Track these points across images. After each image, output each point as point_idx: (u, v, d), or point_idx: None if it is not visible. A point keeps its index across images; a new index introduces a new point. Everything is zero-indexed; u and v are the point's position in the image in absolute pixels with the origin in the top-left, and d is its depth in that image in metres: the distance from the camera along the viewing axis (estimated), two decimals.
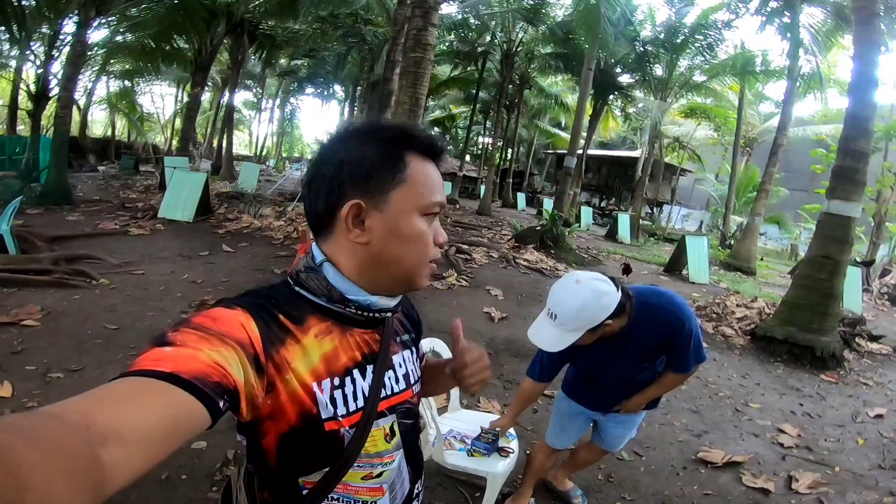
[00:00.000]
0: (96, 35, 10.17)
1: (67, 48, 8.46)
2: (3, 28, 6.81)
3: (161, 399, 0.45)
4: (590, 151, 20.46)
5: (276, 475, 0.66)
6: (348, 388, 0.66)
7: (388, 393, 0.72)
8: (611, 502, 2.30)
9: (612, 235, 15.19)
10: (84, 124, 18.76)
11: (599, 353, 1.66)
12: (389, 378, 0.73)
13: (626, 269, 8.02)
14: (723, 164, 22.57)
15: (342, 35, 13.37)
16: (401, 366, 0.77)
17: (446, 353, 2.20)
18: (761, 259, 14.41)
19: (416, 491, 0.79)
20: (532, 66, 18.19)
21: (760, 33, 21.53)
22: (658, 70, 15.88)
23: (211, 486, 2.02)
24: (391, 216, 0.66)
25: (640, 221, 17.17)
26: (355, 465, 0.66)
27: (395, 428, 0.73)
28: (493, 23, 15.70)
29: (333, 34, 13.46)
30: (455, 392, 2.31)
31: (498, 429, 2.00)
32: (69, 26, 8.79)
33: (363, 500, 0.70)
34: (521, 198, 22.56)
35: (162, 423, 0.43)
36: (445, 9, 14.71)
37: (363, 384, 0.68)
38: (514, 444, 2.09)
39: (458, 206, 17.39)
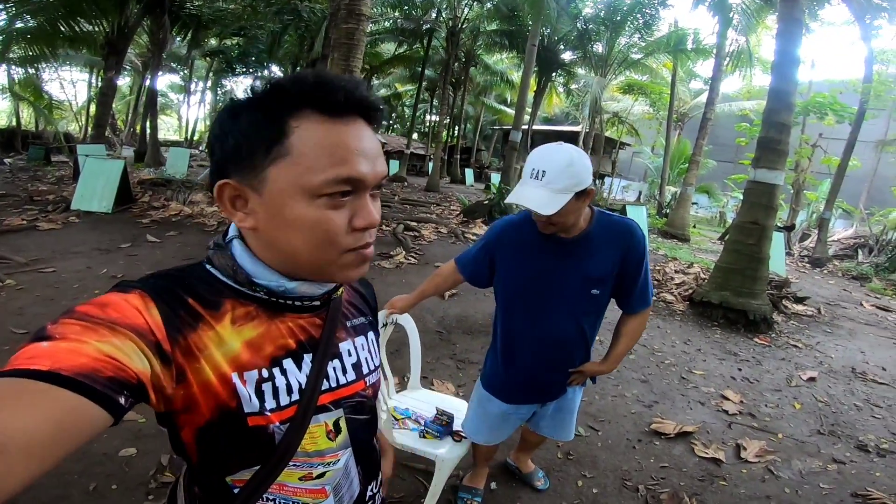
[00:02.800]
0: None
1: None
2: None
3: (40, 401, 0.39)
4: (535, 127, 20.81)
5: (200, 472, 0.60)
6: (279, 381, 0.57)
7: (333, 385, 0.63)
8: (571, 481, 2.31)
9: None
10: None
11: (545, 261, 1.46)
12: (335, 368, 0.64)
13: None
14: (658, 137, 23.87)
15: (276, 12, 12.48)
16: (350, 354, 0.68)
17: (411, 328, 2.10)
18: (694, 226, 15.33)
19: (369, 493, 0.71)
20: (477, 43, 18.32)
21: (693, 11, 22.53)
22: (598, 47, 16.42)
23: (146, 494, 1.87)
24: (271, 199, 0.53)
25: None
26: (291, 464, 0.59)
27: (342, 424, 0.64)
28: None
29: (266, 12, 12.53)
30: (417, 371, 2.23)
31: (395, 317, 1.87)
32: None
33: (303, 501, 0.62)
34: (469, 173, 22.79)
35: (44, 428, 0.38)
36: None
37: (298, 375, 0.59)
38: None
39: (406, 183, 17.29)
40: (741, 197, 5.81)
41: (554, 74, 18.44)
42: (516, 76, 20.31)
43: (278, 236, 0.55)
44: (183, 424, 0.54)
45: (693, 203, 16.81)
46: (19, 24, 8.77)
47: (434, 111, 25.02)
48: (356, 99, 0.53)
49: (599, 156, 22.68)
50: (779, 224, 11.09)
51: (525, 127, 15.41)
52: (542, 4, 10.43)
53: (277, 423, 0.57)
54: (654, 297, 5.68)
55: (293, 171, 0.52)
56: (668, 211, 15.99)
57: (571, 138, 24.08)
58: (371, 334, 0.74)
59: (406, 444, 1.85)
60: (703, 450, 2.66)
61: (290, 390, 0.58)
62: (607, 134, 23.50)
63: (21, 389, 0.39)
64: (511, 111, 23.32)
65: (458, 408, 2.15)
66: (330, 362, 0.63)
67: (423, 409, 2.06)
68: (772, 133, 5.36)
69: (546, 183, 1.29)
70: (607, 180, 25.80)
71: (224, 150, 0.54)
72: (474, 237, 7.79)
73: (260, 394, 0.56)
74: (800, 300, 6.29)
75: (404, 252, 6.21)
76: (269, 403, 0.56)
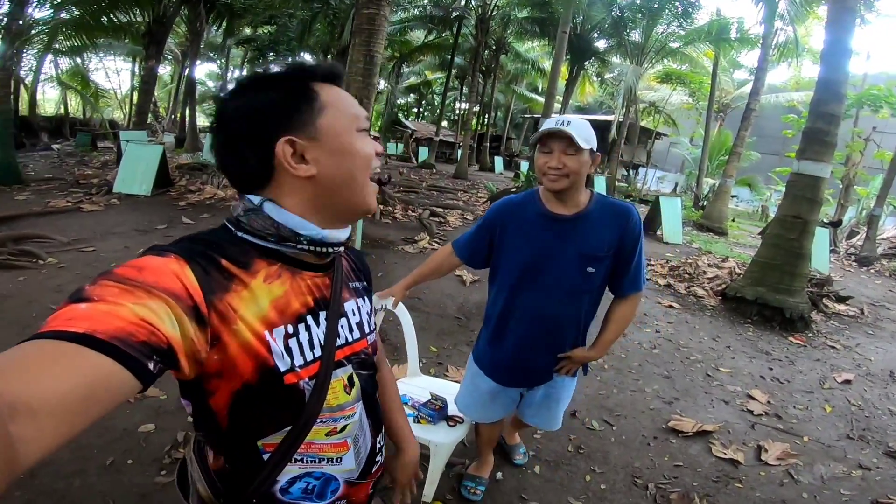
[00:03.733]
0: (40, 12, 9.45)
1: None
2: None
3: (74, 364, 0.40)
4: (567, 115, 20.25)
5: (230, 439, 0.61)
6: (303, 336, 0.62)
7: (343, 342, 0.68)
8: (580, 475, 2.26)
9: None
10: (33, 103, 17.90)
11: (545, 239, 1.48)
12: (343, 326, 0.69)
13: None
14: (697, 128, 22.90)
15: (305, 0, 12.58)
16: (354, 313, 0.73)
17: (402, 314, 2.08)
18: (733, 220, 14.69)
19: (378, 445, 0.76)
20: (508, 30, 17.95)
21: (736, 0, 21.40)
22: (635, 35, 15.76)
23: (159, 470, 1.93)
24: (331, 140, 0.64)
25: (616, 183, 17.27)
26: (319, 420, 0.63)
27: (354, 378, 0.70)
28: None
29: (295, 0, 12.65)
30: (414, 358, 2.22)
31: (389, 306, 1.83)
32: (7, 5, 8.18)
33: (328, 457, 0.66)
34: (498, 161, 22.58)
35: (77, 392, 0.39)
36: None
37: (318, 332, 0.64)
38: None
39: (434, 170, 17.24)
40: (785, 189, 5.51)
41: (587, 63, 17.91)
42: (548, 64, 19.82)
43: (338, 170, 0.64)
44: (215, 390, 0.56)
45: (733, 196, 16.13)
46: (64, 15, 9.13)
47: (464, 99, 24.81)
48: (336, 71, 0.68)
49: (634, 146, 22.02)
50: (824, 220, 10.50)
51: (557, 115, 15.05)
52: None
53: (306, 379, 0.61)
54: (685, 292, 5.61)
55: (338, 115, 0.64)
56: (704, 203, 15.39)
57: (604, 127, 23.46)
58: (366, 297, 0.80)
59: None
60: (721, 450, 2.56)
61: (312, 346, 0.62)
62: (643, 124, 22.76)
63: (57, 352, 0.40)
64: (541, 99, 22.78)
65: (454, 392, 2.13)
66: (339, 320, 0.68)
67: (419, 395, 2.04)
68: (819, 124, 5.05)
69: (572, 129, 1.37)
70: (641, 171, 25.02)
71: (271, 118, 0.62)
72: None
73: (289, 350, 0.59)
74: (842, 299, 5.95)
75: (428, 237, 6.23)
76: (298, 360, 0.60)
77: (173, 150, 13.44)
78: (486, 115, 25.31)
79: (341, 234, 0.68)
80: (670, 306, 5.11)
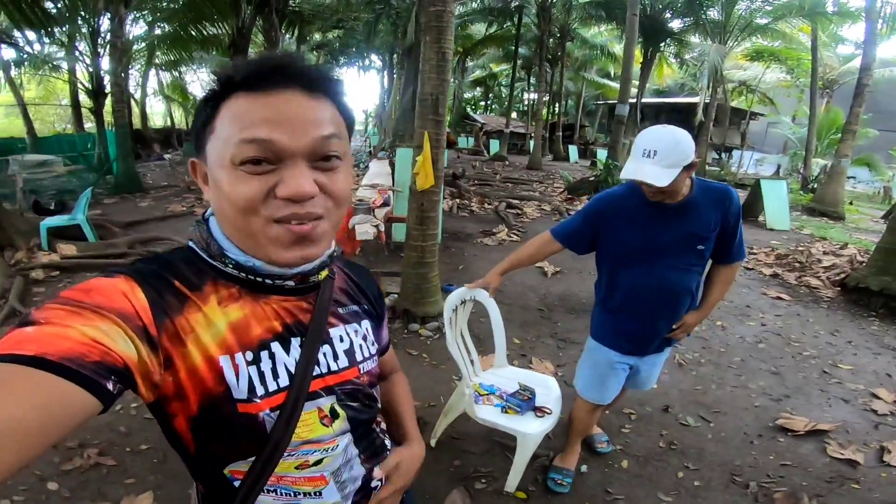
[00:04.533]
0: (138, 29, 10.62)
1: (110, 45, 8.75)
2: (44, 31, 7.07)
3: (27, 387, 0.38)
4: (645, 100, 19.11)
5: (199, 463, 0.58)
6: (265, 365, 0.56)
7: (323, 371, 0.61)
8: (671, 471, 2.14)
9: None
10: (144, 116, 19.85)
11: (654, 225, 1.60)
12: (325, 354, 0.62)
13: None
14: (799, 106, 20.45)
15: (367, 3, 13.02)
16: (342, 340, 0.65)
17: (489, 304, 2.08)
18: (850, 203, 12.94)
19: (375, 477, 0.68)
20: (571, 17, 17.24)
21: None
22: (713, 13, 14.55)
23: None
24: (210, 171, 0.55)
25: (707, 167, 15.95)
26: (287, 453, 0.57)
27: (338, 410, 0.62)
28: None
29: (358, 3, 13.14)
30: (502, 348, 2.22)
31: (473, 293, 1.95)
32: (107, 23, 9.05)
33: (304, 491, 0.60)
34: (572, 150, 21.83)
35: (31, 415, 0.37)
36: None
37: (286, 359, 0.58)
38: (554, 405, 1.97)
39: (507, 162, 17.09)
40: None
41: (662, 44, 16.73)
42: (618, 48, 18.81)
43: (219, 206, 0.55)
44: (175, 412, 0.53)
45: (849, 177, 14.23)
46: (158, 31, 10.07)
47: (532, 89, 24.26)
48: (282, 72, 0.52)
49: (725, 127, 20.20)
50: None
51: (633, 101, 14.20)
52: None
53: (267, 411, 0.55)
54: (795, 282, 5.09)
55: (216, 144, 0.53)
56: (815, 186, 13.71)
57: (688, 110, 21.77)
58: (366, 322, 0.71)
59: (488, 419, 1.87)
60: (837, 450, 2.30)
61: (276, 375, 0.56)
62: (733, 104, 20.78)
63: (6, 375, 0.38)
64: (615, 85, 21.76)
65: (543, 384, 2.11)
66: (320, 348, 0.61)
67: (508, 386, 2.05)
68: None
69: (658, 160, 1.44)
70: (735, 153, 22.86)
71: (193, 135, 0.59)
72: None
73: (248, 379, 0.54)
74: None
75: (506, 229, 6.22)
76: (259, 390, 0.55)
77: None
78: (557, 104, 24.56)
79: (281, 271, 0.58)
80: (778, 297, 4.63)
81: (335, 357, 0.63)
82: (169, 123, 23.59)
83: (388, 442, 0.74)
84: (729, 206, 1.58)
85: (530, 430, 1.83)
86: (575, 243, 1.76)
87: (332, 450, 0.61)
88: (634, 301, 1.69)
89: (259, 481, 0.56)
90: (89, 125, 16.08)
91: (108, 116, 10.38)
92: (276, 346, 0.57)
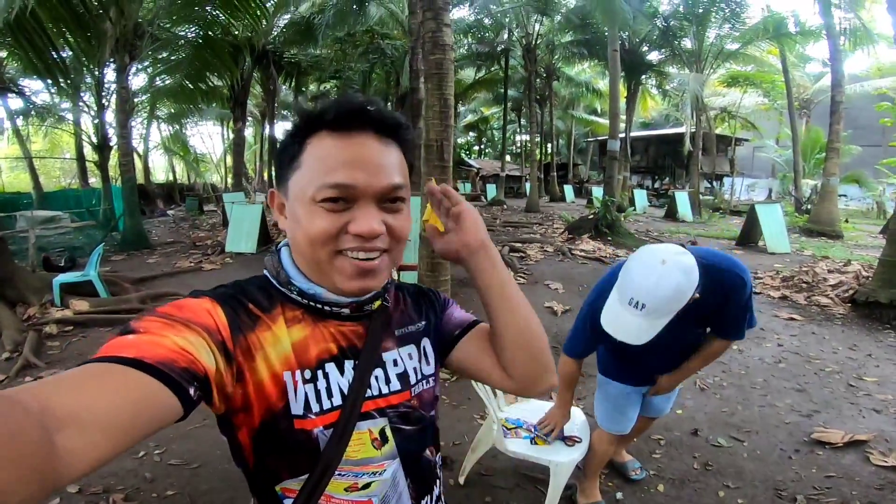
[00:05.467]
0: (139, 81, 10.70)
1: (115, 96, 8.78)
2: (50, 81, 7.24)
3: (124, 383, 0.42)
4: (633, 133, 19.73)
5: (256, 479, 0.61)
6: (321, 383, 0.60)
7: (375, 393, 0.64)
8: (711, 491, 2.09)
9: (671, 215, 14.45)
10: (147, 170, 20.01)
11: None
12: (377, 377, 0.65)
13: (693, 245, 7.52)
14: (781, 128, 21.10)
15: (362, 53, 13.58)
16: (396, 364, 0.68)
17: None
18: (846, 221, 13.11)
19: None
20: (555, 56, 17.94)
21: None
22: (687, 43, 15.24)
23: None
24: (291, 204, 0.61)
25: (701, 197, 16.22)
26: (337, 473, 0.59)
27: (388, 433, 0.64)
28: (508, 19, 15.48)
29: (353, 53, 13.68)
30: None
31: (553, 428, 1.89)
32: (111, 74, 9.18)
33: None
34: (568, 190, 22.15)
35: (125, 408, 0.40)
36: (457, 13, 14.76)
37: (340, 380, 0.61)
38: (582, 433, 1.95)
39: (505, 206, 17.25)
40: None
41: (643, 77, 17.43)
42: (602, 84, 19.56)
43: (294, 235, 0.61)
44: (240, 425, 0.57)
45: (841, 195, 14.47)
46: (160, 83, 10.29)
47: (523, 130, 24.96)
48: (363, 115, 0.58)
49: (713, 155, 20.73)
50: None
51: (622, 135, 14.67)
52: (614, 9, 9.95)
53: (321, 428, 0.58)
54: (805, 302, 5.09)
55: (300, 180, 0.59)
56: (808, 207, 13.95)
57: (676, 140, 22.43)
58: (425, 341, 0.72)
59: (518, 451, 1.85)
60: (880, 458, 2.27)
61: (331, 394, 0.60)
62: (718, 131, 21.43)
63: (109, 373, 0.43)
64: (602, 121, 22.50)
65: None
66: (373, 371, 0.64)
67: (533, 418, 2.05)
68: None
69: (647, 314, 1.26)
70: (727, 181, 23.33)
71: (275, 167, 0.66)
72: (582, 253, 7.54)
73: (304, 396, 0.58)
74: None
75: (513, 273, 6.24)
76: (314, 406, 0.58)
77: (266, 209, 14.79)
78: (549, 144, 25.21)
79: (341, 299, 0.62)
80: (791, 318, 4.64)
81: (387, 381, 0.66)
82: (171, 178, 23.76)
83: (439, 473, 0.74)
84: (738, 295, 1.41)
85: (562, 458, 1.82)
86: (590, 351, 1.75)
87: (380, 474, 0.63)
88: (635, 362, 1.72)
89: (311, 499, 0.58)
90: (93, 180, 16.24)
91: (112, 171, 10.47)
92: (330, 367, 0.61)
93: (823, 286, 5.52)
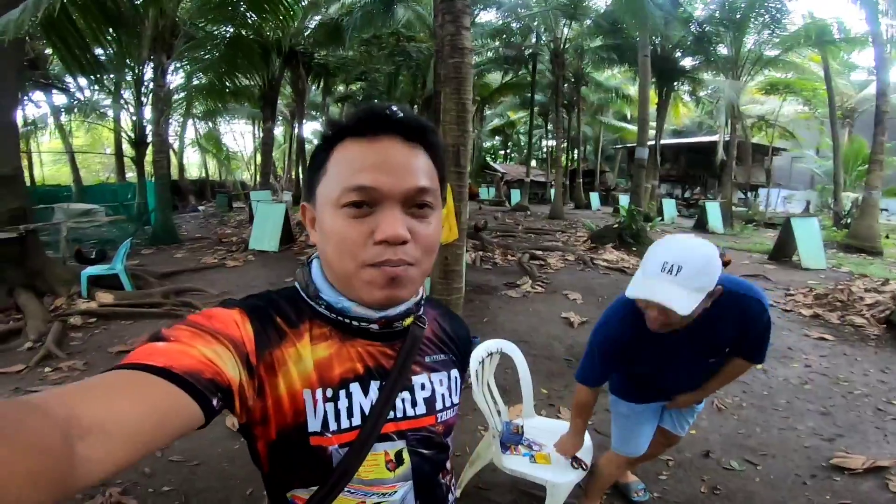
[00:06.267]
0: (178, 79, 11.05)
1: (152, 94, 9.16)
2: (92, 78, 7.54)
3: (151, 392, 0.43)
4: (664, 141, 19.24)
5: (269, 484, 0.63)
6: (342, 403, 0.59)
7: (399, 416, 0.63)
8: None
9: (701, 226, 13.99)
10: (181, 167, 20.61)
11: (663, 353, 1.44)
12: (403, 400, 0.64)
13: (722, 261, 7.21)
14: (821, 138, 20.22)
15: (388, 55, 13.66)
16: (424, 388, 0.67)
17: (516, 356, 2.07)
18: (887, 237, 12.42)
19: None
20: (584, 61, 17.74)
21: None
22: (723, 49, 14.76)
23: None
24: (319, 214, 0.60)
25: (733, 208, 15.67)
26: (347, 490, 0.59)
27: (405, 456, 0.64)
28: (536, 23, 15.35)
29: (379, 55, 13.79)
30: (529, 399, 2.16)
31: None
32: (150, 72, 9.47)
33: None
34: (594, 197, 21.73)
35: (151, 418, 0.41)
36: (485, 16, 14.76)
37: (363, 400, 0.60)
38: (585, 456, 1.88)
39: (528, 212, 17.06)
40: None
41: (676, 84, 16.96)
42: (632, 90, 19.17)
43: (323, 248, 0.60)
44: (259, 436, 0.58)
45: (882, 209, 13.78)
46: (196, 82, 10.51)
47: (550, 136, 24.73)
48: (387, 120, 0.57)
49: (748, 165, 20.01)
50: None
51: (652, 142, 14.33)
52: (644, 13, 9.69)
53: (337, 446, 0.58)
54: (838, 322, 4.85)
55: (326, 186, 0.58)
56: (848, 221, 13.29)
57: (708, 149, 21.78)
58: (454, 372, 0.72)
59: (516, 469, 1.81)
60: None
61: (351, 414, 0.59)
62: (754, 140, 20.70)
63: (138, 380, 0.43)
64: (632, 127, 21.96)
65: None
66: (399, 393, 0.63)
67: (537, 436, 2.00)
68: None
69: (682, 280, 1.18)
70: (762, 192, 22.49)
71: (305, 180, 0.66)
72: (604, 263, 7.38)
73: (323, 414, 0.58)
74: None
75: (531, 281, 6.15)
76: (332, 425, 0.58)
77: (292, 208, 15.09)
78: (576, 150, 24.88)
79: (370, 313, 0.61)
80: (822, 338, 4.41)
81: (413, 404, 0.65)
82: (203, 174, 24.40)
83: (450, 498, 0.74)
84: (749, 325, 1.35)
85: (559, 479, 1.76)
86: (607, 377, 1.69)
87: (390, 495, 0.62)
88: (648, 387, 1.68)
89: None
90: (130, 175, 16.89)
91: (148, 167, 10.76)
92: (354, 387, 0.60)
93: (859, 305, 5.23)
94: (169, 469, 2.23)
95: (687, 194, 24.78)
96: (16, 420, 0.32)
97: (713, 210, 14.12)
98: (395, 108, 0.58)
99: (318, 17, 13.19)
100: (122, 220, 9.60)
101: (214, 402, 0.47)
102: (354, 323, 0.61)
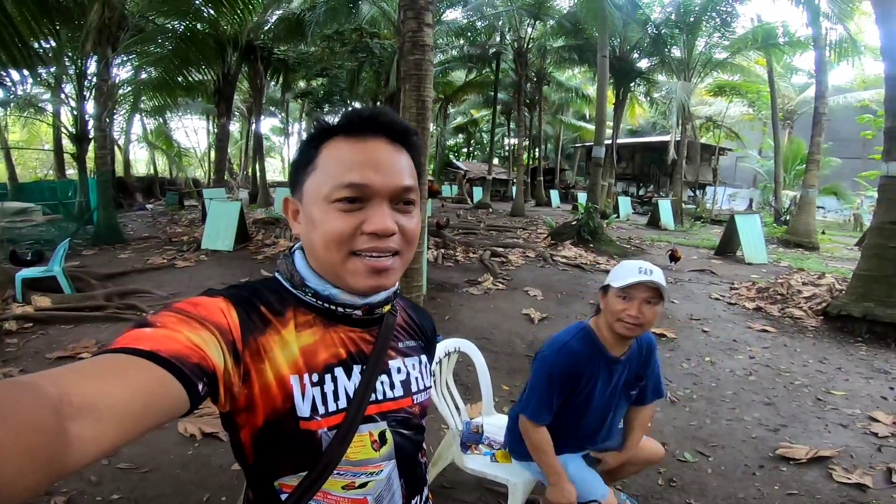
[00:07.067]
0: (123, 73, 10.30)
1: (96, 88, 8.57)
2: (29, 72, 6.99)
3: (140, 375, 0.43)
4: (620, 140, 19.93)
5: (254, 474, 0.64)
6: (328, 387, 0.62)
7: (379, 398, 0.67)
8: None
9: (654, 223, 14.63)
10: (127, 164, 19.55)
11: (599, 381, 1.57)
12: (382, 382, 0.68)
13: (674, 256, 7.58)
14: (764, 139, 21.56)
15: (350, 51, 13.46)
16: (399, 371, 0.71)
17: (475, 355, 2.07)
18: (822, 232, 13.40)
19: None
20: (546, 61, 18.10)
21: (775, 2, 20.47)
22: (676, 51, 15.47)
23: None
24: (306, 207, 0.63)
25: (683, 205, 16.45)
26: (336, 472, 0.62)
27: (388, 436, 0.67)
28: (500, 22, 15.58)
29: (342, 51, 13.56)
30: (489, 397, 2.16)
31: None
32: (94, 66, 8.87)
33: None
34: (554, 195, 22.27)
35: (138, 399, 0.42)
36: (451, 14, 14.74)
37: (347, 384, 0.63)
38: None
39: (490, 209, 17.23)
40: (877, 195, 5.05)
41: (632, 84, 17.59)
42: (592, 90, 19.72)
43: (309, 238, 0.63)
44: (243, 424, 0.59)
45: (818, 207, 14.82)
46: (144, 76, 9.93)
47: (512, 134, 25.09)
48: (374, 122, 0.62)
49: (697, 164, 21.05)
50: None
51: (608, 141, 14.79)
52: (604, 14, 10.02)
53: (326, 429, 0.60)
54: (779, 314, 5.17)
55: (315, 181, 0.61)
56: (787, 218, 14.23)
57: (661, 148, 22.74)
58: (424, 357, 0.77)
59: (477, 468, 1.81)
60: (843, 475, 2.28)
61: (337, 397, 0.62)
62: (703, 140, 21.78)
63: (126, 363, 0.44)
64: (590, 127, 22.69)
65: None
66: (378, 376, 0.67)
67: (496, 434, 1.98)
68: None
69: (656, 278, 1.42)
70: (709, 190, 23.71)
71: (290, 174, 0.68)
72: (563, 259, 7.54)
73: (311, 398, 0.60)
74: None
75: (492, 278, 6.20)
76: (320, 409, 0.60)
77: (248, 206, 14.53)
78: (537, 149, 25.34)
79: (354, 300, 0.64)
80: (763, 330, 4.68)
81: (391, 386, 0.68)
82: (152, 171, 23.32)
83: (427, 477, 0.78)
84: (650, 354, 1.65)
85: (518, 479, 1.76)
86: (553, 410, 1.58)
87: (377, 474, 0.65)
88: (570, 431, 1.63)
89: (306, 495, 0.60)
90: (71, 172, 15.81)
91: (90, 163, 10.10)
92: (339, 371, 0.63)
93: (798, 298, 5.60)
94: (117, 476, 2.10)
95: (641, 192, 25.75)
96: (11, 399, 0.32)
97: (665, 207, 14.75)
98: (381, 111, 0.63)
99: (279, 12, 12.76)
100: (60, 219, 8.97)
101: (200, 386, 0.48)
102: (339, 309, 0.64)
